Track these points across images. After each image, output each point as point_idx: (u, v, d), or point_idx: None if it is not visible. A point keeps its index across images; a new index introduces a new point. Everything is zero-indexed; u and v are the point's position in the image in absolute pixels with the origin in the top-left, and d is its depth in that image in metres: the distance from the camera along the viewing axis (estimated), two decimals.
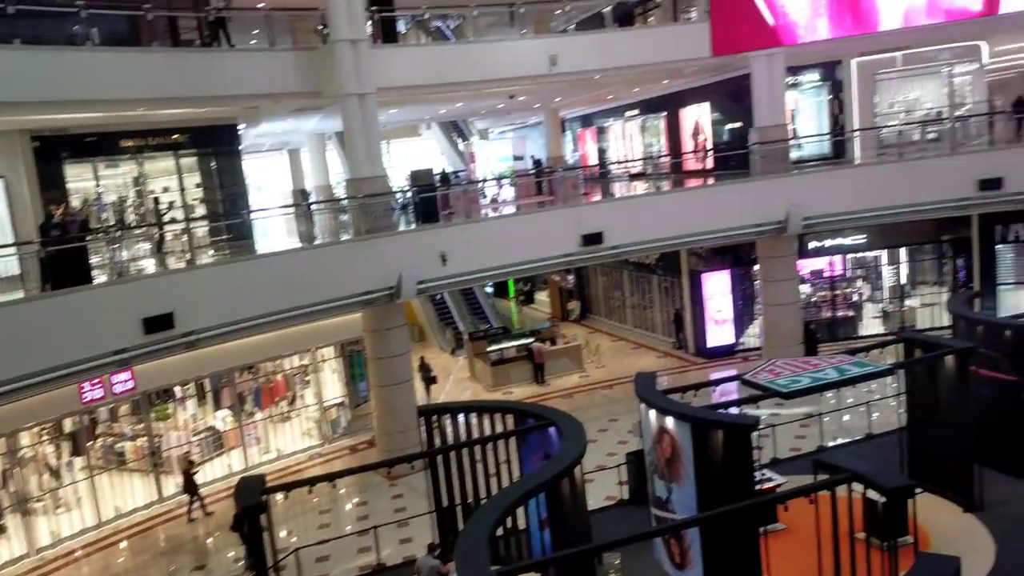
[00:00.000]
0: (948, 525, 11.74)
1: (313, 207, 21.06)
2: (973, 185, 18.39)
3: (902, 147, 20.46)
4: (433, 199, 18.86)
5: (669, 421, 10.31)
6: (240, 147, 21.47)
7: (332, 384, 20.86)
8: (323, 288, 15.38)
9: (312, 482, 11.30)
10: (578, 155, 35.86)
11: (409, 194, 19.56)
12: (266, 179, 34.22)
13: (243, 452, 18.89)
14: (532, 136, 34.60)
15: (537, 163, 28.54)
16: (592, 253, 18.28)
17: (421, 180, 19.59)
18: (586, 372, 23.97)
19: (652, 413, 10.82)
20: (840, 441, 16.17)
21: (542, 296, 35.91)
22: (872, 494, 10.16)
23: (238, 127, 20.69)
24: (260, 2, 18.41)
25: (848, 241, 23.20)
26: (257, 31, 18.94)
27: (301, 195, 28.57)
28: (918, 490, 10.14)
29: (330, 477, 11.95)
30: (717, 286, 23.66)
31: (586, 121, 35.00)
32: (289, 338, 18.37)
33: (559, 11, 23.04)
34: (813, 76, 23.34)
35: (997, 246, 21.39)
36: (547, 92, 24.88)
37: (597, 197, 22.12)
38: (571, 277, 31.46)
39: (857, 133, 21.91)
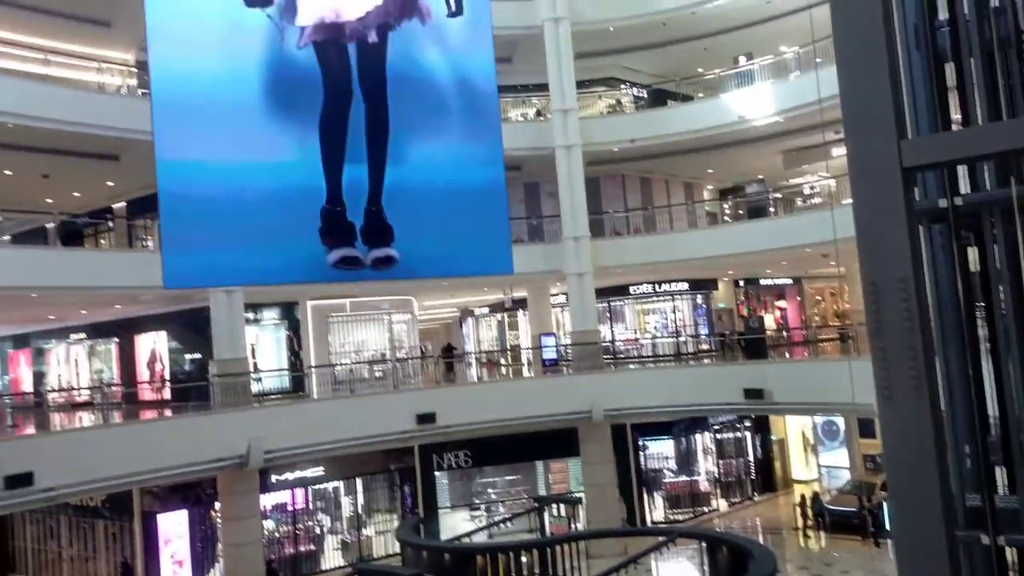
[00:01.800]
0: None
1: None
2: (412, 419, 20.71)
3: (354, 383, 22.25)
4: None
5: None
6: None
7: None
8: None
9: None
10: (8, 379, 30.56)
11: None
12: None
13: None
14: None
15: None
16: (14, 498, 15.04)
17: None
18: None
19: None
20: None
21: None
22: None
23: None
24: None
25: (309, 473, 23.62)
26: None
27: None
28: None
29: None
30: (174, 528, 21.47)
31: (20, 341, 30.39)
32: None
33: None
34: (273, 314, 24.42)
35: (435, 473, 24.08)
36: None
37: (30, 430, 18.76)
38: None
39: (313, 369, 23.20)
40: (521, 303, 29.67)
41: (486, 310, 35.11)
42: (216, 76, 18.37)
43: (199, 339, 22.22)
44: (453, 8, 20.72)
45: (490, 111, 21.53)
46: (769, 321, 31.54)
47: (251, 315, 22.67)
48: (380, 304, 25.14)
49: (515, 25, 23.60)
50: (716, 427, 26.32)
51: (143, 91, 20.01)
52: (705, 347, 28.46)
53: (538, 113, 26.06)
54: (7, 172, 20.82)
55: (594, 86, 27.23)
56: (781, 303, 34.13)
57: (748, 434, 27.00)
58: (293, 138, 19.10)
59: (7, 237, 22.40)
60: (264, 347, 24.38)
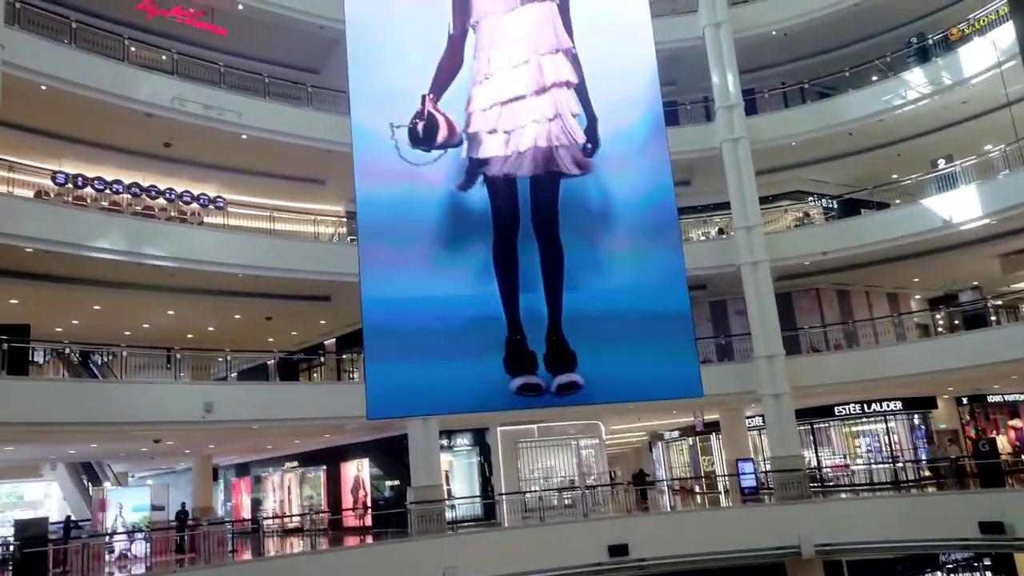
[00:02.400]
0: None
1: None
2: (603, 550, 19.87)
3: (543, 511, 21.93)
4: (44, 555, 15.74)
5: None
6: None
7: None
8: None
9: None
10: (230, 505, 33.21)
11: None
12: None
13: None
14: (180, 483, 31.64)
15: (182, 514, 25.67)
16: None
17: (31, 532, 16.45)
18: None
19: None
20: None
21: None
22: None
23: None
24: None
25: None
26: None
27: None
28: None
29: None
30: None
31: (242, 470, 33.15)
32: None
33: (222, 359, 22.82)
34: (465, 440, 25.05)
35: None
36: (200, 438, 23.46)
37: (247, 555, 20.13)
38: None
39: (504, 497, 23.21)
40: (714, 426, 28.37)
41: (676, 434, 33.86)
42: (408, 215, 19.93)
43: (398, 465, 23.16)
44: (590, 147, 21.19)
45: (671, 233, 21.53)
46: (1002, 443, 27.81)
47: (445, 441, 23.39)
48: (567, 429, 25.09)
49: (693, 148, 23.87)
50: (949, 566, 23.11)
51: (351, 238, 22.13)
52: (928, 473, 25.49)
53: (720, 231, 25.73)
54: (237, 316, 23.54)
55: (779, 200, 26.61)
56: (1015, 422, 30.10)
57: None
58: (473, 270, 20.09)
59: (235, 375, 25.01)
60: (457, 473, 24.93)
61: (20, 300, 19.49)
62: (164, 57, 20.65)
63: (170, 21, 20.54)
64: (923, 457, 26.34)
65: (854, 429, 28.05)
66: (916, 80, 22.19)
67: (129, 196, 20.60)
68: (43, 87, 17.45)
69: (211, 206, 22.27)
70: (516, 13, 21.15)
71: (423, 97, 20.13)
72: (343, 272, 20.04)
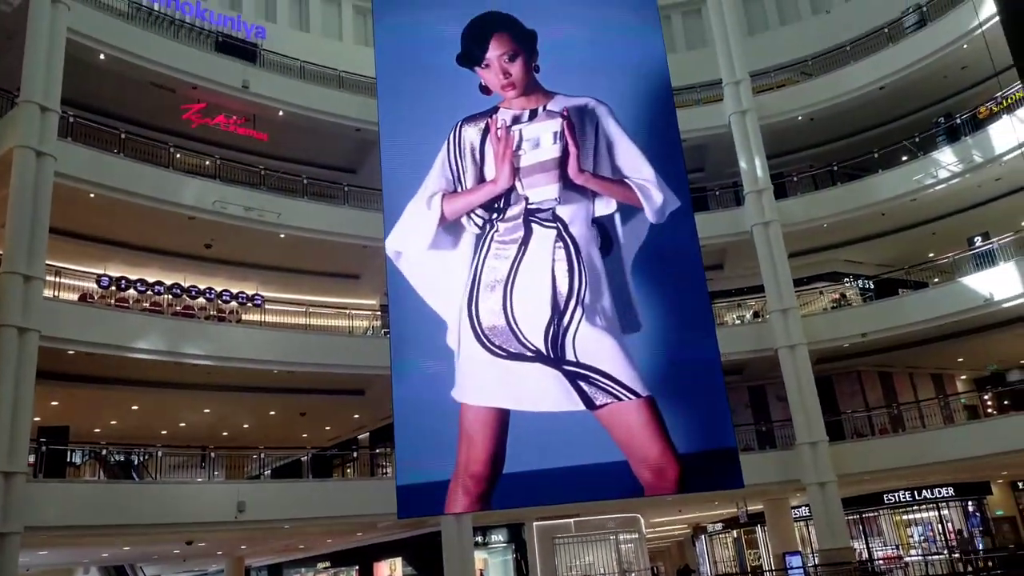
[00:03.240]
0: None
1: None
2: None
3: None
4: None
5: None
6: None
7: None
8: None
9: None
10: None
11: None
12: None
13: None
14: None
15: None
16: None
17: None
18: None
19: None
20: None
21: None
22: None
23: None
24: None
25: None
26: None
27: None
28: None
29: None
30: None
31: (274, 571, 32.51)
32: None
33: (256, 456, 22.74)
34: (500, 536, 24.37)
35: None
36: (232, 539, 23.14)
37: None
38: None
39: None
40: (758, 517, 27.35)
41: (720, 526, 32.66)
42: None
43: (433, 563, 22.50)
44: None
45: (704, 318, 21.24)
46: None
47: (480, 538, 22.78)
48: (606, 523, 24.32)
49: (723, 233, 23.91)
50: None
51: (385, 331, 22.27)
52: (986, 564, 24.13)
53: (755, 315, 25.46)
54: (272, 413, 23.58)
55: (814, 282, 26.35)
56: None
57: None
58: None
59: (268, 472, 24.87)
60: (493, 570, 24.18)
61: (59, 401, 19.76)
62: (207, 162, 21.47)
63: (214, 128, 21.46)
64: (979, 547, 25.02)
65: (905, 517, 26.86)
66: (947, 159, 22.21)
67: (170, 296, 21.06)
68: (92, 195, 18.18)
69: (249, 304, 22.66)
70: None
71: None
72: (376, 365, 20.05)
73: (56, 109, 17.26)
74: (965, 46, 21.70)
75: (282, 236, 21.26)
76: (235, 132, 21.79)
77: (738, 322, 25.59)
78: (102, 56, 19.48)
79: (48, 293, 17.16)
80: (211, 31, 22.67)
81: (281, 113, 22.32)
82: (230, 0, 24.91)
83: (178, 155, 20.74)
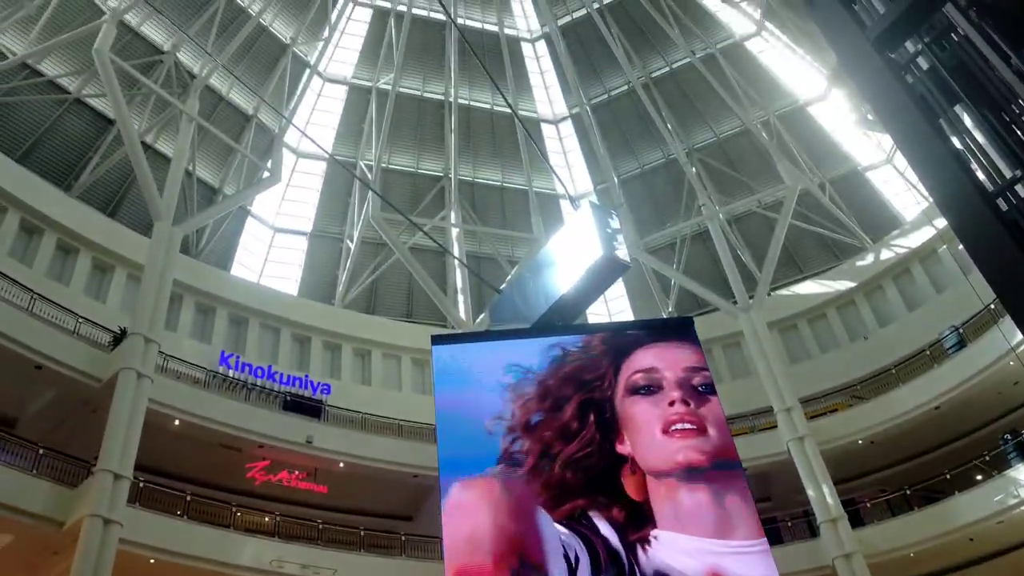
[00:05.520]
0: None
1: None
2: None
3: None
4: None
5: None
6: None
7: None
8: None
9: None
10: None
11: None
12: None
13: None
14: None
15: None
16: None
17: None
18: None
19: None
20: None
21: None
22: None
23: None
24: None
25: None
26: None
27: None
28: None
29: None
30: None
31: None
32: None
33: None
34: None
35: None
36: None
37: None
38: None
39: None
40: None
41: None
42: None
43: None
44: None
45: None
46: None
47: None
48: None
49: (803, 568, 22.25)
50: None
51: None
52: None
53: None
54: None
55: None
56: None
57: None
58: None
59: None
60: None
61: None
62: (267, 519, 21.35)
63: (276, 483, 21.72)
64: None
65: None
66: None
67: None
68: (152, 560, 17.89)
69: None
70: None
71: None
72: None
73: (129, 476, 17.46)
74: (1011, 363, 21.84)
75: None
76: (296, 487, 21.99)
77: None
78: (176, 422, 20.41)
79: None
80: (279, 392, 23.96)
81: (342, 465, 22.66)
82: (299, 361, 26.58)
83: (239, 513, 20.74)
